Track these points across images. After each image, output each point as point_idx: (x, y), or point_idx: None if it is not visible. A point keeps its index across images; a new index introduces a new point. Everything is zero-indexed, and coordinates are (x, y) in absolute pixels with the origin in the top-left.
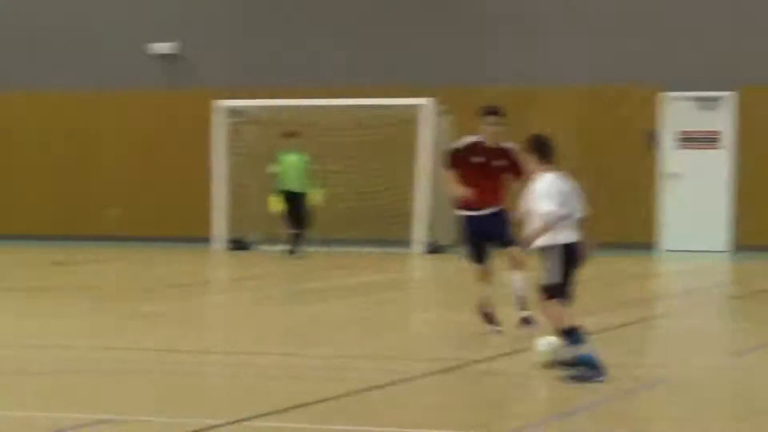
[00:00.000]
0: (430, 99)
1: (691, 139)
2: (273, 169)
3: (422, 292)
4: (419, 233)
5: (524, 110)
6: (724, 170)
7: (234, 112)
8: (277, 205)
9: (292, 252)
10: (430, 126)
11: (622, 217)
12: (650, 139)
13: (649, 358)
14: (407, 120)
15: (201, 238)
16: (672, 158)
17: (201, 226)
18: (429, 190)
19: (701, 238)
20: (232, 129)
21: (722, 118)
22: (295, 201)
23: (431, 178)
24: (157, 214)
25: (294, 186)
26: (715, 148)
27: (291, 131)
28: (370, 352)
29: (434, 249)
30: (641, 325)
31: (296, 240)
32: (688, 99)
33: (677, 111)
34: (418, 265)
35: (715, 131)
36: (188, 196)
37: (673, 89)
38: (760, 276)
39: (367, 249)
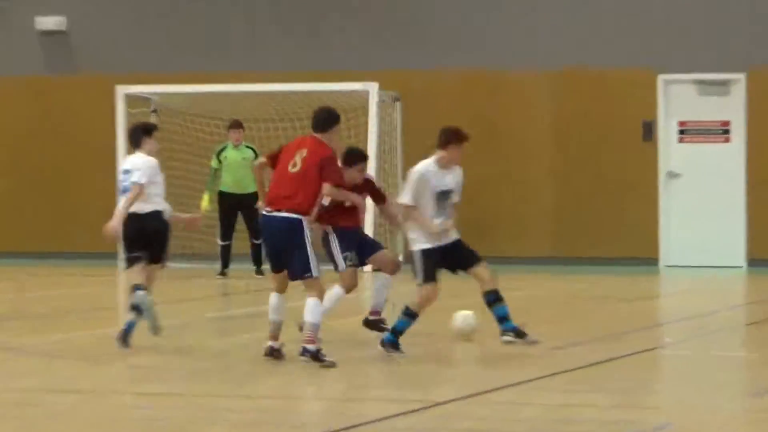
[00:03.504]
0: (374, 84)
1: (694, 131)
2: (213, 164)
3: None
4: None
5: (489, 98)
6: (735, 168)
7: (140, 101)
8: (204, 203)
9: (259, 272)
10: (374, 116)
11: (613, 227)
12: (647, 132)
13: (649, 397)
14: (348, 109)
15: (107, 255)
16: (672, 154)
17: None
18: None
19: (708, 252)
20: (138, 120)
21: (732, 105)
22: (245, 205)
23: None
24: (46, 226)
25: (239, 187)
26: (724, 141)
27: (236, 121)
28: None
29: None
30: (640, 358)
31: (258, 254)
32: (689, 82)
33: (677, 97)
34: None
35: (724, 120)
36: (87, 203)
37: (671, 71)
38: None
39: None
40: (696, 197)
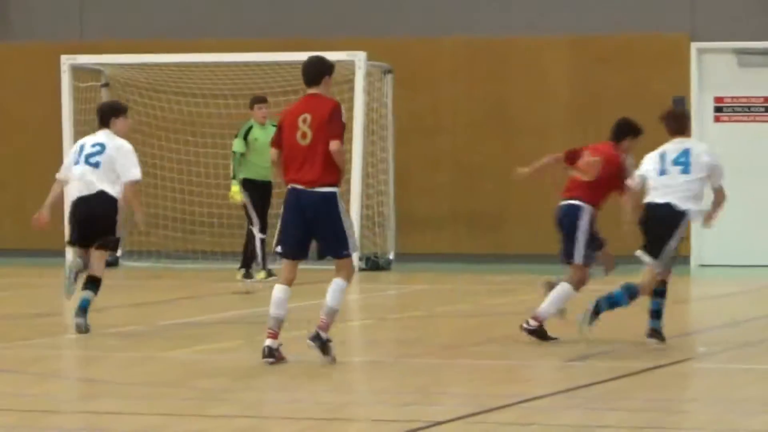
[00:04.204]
0: (361, 53)
1: (732, 109)
2: (238, 148)
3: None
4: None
5: (495, 71)
6: None
7: (89, 73)
8: (237, 196)
9: (267, 271)
10: (361, 90)
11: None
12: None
13: (676, 418)
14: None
15: (52, 252)
16: (707, 135)
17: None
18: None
19: (747, 249)
20: (87, 96)
21: None
22: (264, 194)
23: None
24: None
25: (264, 174)
26: (767, 121)
27: (260, 96)
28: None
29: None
30: (670, 372)
31: (263, 249)
32: (727, 52)
33: (713, 69)
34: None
35: (766, 97)
36: (24, 192)
37: (707, 38)
38: None
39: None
40: (735, 185)
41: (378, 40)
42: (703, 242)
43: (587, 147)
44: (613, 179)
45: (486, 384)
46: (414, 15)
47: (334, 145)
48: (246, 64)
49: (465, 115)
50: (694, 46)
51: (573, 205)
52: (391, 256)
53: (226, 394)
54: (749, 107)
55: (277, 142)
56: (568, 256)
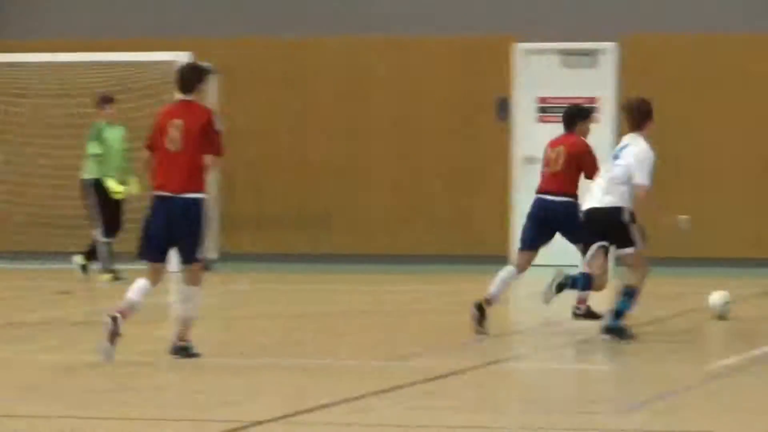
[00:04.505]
0: (185, 54)
1: (556, 109)
2: (93, 149)
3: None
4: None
5: (303, 72)
6: (604, 152)
7: None
8: (117, 188)
9: (112, 273)
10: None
11: (458, 220)
12: (501, 110)
13: (498, 416)
14: (152, 84)
15: None
16: (530, 136)
17: None
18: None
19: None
20: None
21: (600, 80)
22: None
23: None
24: None
25: (113, 174)
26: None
27: (107, 95)
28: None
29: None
30: (489, 371)
31: (109, 252)
32: (551, 52)
33: (536, 69)
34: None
35: (591, 97)
36: None
37: (530, 39)
38: None
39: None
40: None
41: (213, 41)
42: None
43: (550, 145)
44: (584, 165)
45: (307, 383)
46: (248, 15)
47: (210, 160)
48: (76, 64)
49: (292, 117)
50: (518, 47)
51: (569, 202)
52: (215, 257)
53: (46, 393)
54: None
55: (150, 144)
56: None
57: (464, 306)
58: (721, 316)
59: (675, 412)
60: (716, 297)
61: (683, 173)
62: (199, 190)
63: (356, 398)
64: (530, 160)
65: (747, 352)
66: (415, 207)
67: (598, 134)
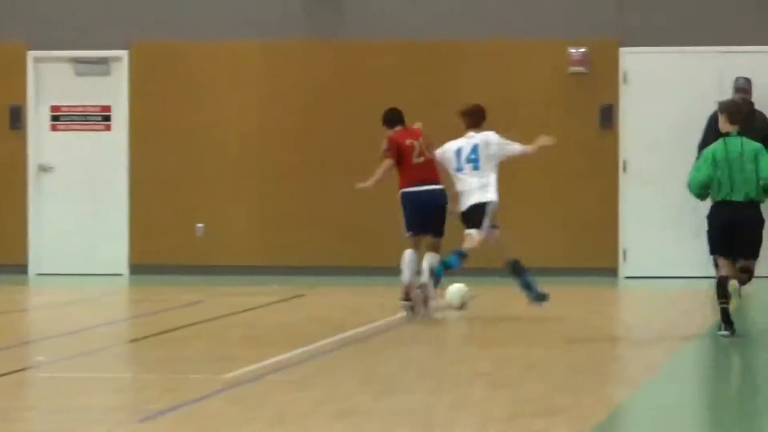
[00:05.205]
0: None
1: (69, 117)
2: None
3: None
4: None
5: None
6: (117, 161)
7: None
8: None
9: None
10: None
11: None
12: (15, 119)
13: (20, 426)
14: None
15: None
16: (44, 144)
17: None
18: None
19: (87, 258)
20: None
21: (113, 88)
22: None
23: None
24: None
25: None
26: (104, 129)
27: None
28: None
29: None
30: (8, 381)
31: None
32: (62, 60)
33: (50, 78)
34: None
35: (105, 105)
36: None
37: (44, 47)
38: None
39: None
40: (74, 196)
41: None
42: (41, 254)
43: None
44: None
45: None
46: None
47: None
48: None
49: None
50: (31, 54)
51: (443, 190)
52: None
53: None
54: (86, 116)
55: None
56: (438, 232)
57: None
58: (462, 306)
59: (195, 421)
60: (454, 289)
61: (192, 179)
62: None
63: None
64: (44, 168)
65: (265, 359)
66: None
67: (112, 140)
